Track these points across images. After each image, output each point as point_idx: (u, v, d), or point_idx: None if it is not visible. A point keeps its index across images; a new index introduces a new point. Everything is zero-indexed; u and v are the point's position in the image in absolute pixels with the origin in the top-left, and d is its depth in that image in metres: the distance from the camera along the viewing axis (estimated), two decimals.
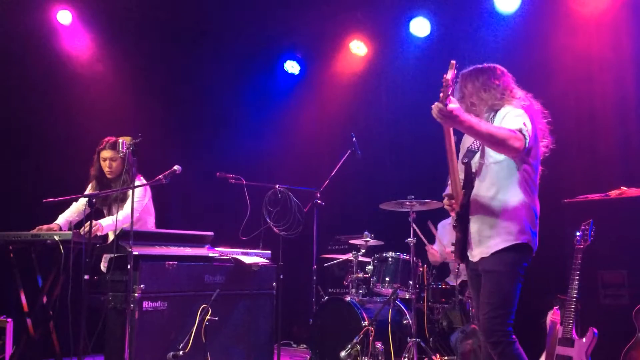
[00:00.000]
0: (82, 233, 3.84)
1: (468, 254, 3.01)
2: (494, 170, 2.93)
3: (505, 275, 2.86)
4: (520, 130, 2.79)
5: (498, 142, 2.77)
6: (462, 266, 3.28)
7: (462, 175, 2.99)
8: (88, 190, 4.47)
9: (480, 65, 3.12)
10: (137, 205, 4.26)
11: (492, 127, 2.83)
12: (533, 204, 2.95)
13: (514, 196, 2.89)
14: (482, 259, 2.93)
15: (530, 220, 2.91)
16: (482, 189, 2.94)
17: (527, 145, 2.80)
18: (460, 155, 3.07)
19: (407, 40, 6.61)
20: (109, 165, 4.34)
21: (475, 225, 2.95)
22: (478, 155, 3.00)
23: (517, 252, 2.87)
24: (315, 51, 7.44)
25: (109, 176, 4.37)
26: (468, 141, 3.11)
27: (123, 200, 4.21)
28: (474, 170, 2.98)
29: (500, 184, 2.91)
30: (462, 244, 2.98)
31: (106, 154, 4.35)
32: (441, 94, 2.59)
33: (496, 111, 3.02)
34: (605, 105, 5.21)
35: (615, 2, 5.26)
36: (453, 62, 2.65)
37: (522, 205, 2.89)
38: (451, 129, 2.78)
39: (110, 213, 4.37)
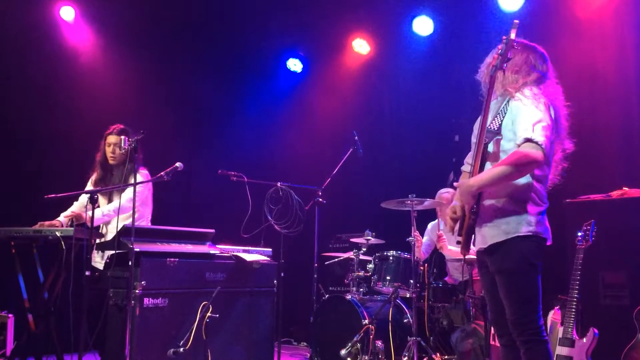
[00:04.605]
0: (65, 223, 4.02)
1: (477, 238, 2.82)
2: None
3: (516, 273, 2.70)
4: (530, 140, 2.59)
5: (515, 174, 2.62)
6: (459, 265, 3.21)
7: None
8: (92, 180, 4.47)
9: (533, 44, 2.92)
10: (137, 196, 4.27)
11: (498, 169, 2.63)
12: (539, 198, 2.78)
13: (518, 187, 2.73)
14: (490, 257, 2.78)
15: (534, 212, 2.73)
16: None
17: (545, 152, 2.61)
18: (474, 136, 2.85)
19: (410, 39, 6.60)
20: (112, 150, 4.38)
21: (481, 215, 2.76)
22: (493, 141, 2.77)
23: (522, 245, 2.69)
24: (318, 49, 7.44)
25: (111, 162, 4.40)
26: (477, 124, 2.85)
27: (124, 190, 4.25)
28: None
29: None
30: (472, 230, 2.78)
31: (112, 139, 4.38)
32: (499, 53, 2.56)
33: (508, 100, 2.79)
34: (608, 105, 5.19)
35: (618, 4, 5.25)
36: (516, 21, 2.58)
37: (525, 198, 2.72)
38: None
39: (110, 202, 4.39)
